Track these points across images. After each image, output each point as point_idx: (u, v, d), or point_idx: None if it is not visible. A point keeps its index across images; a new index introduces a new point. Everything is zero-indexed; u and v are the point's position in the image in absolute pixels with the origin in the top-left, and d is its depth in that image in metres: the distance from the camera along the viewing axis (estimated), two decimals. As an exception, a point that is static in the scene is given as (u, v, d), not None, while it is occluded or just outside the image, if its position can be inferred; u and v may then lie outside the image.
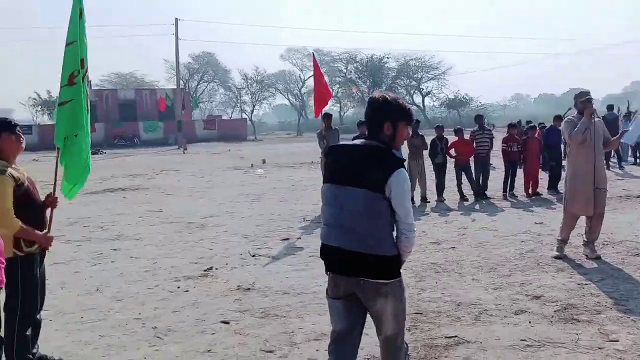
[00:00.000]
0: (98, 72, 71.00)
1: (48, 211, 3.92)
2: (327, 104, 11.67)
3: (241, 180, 16.77)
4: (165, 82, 65.02)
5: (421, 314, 4.68)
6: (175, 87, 44.10)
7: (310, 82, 75.69)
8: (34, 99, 60.56)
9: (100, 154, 32.47)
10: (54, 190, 4.01)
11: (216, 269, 6.56)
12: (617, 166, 15.94)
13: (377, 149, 2.84)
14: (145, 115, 47.83)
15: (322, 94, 11.19)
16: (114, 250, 7.76)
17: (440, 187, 11.17)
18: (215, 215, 10.40)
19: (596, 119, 6.28)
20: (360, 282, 2.79)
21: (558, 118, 12.22)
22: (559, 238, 6.43)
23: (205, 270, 6.46)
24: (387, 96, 2.88)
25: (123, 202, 12.47)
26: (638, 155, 17.59)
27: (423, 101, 70.24)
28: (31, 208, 3.62)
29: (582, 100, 6.21)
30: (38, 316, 3.89)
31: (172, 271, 6.53)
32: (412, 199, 10.77)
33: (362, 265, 2.77)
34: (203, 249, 7.66)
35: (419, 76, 68.32)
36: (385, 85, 66.12)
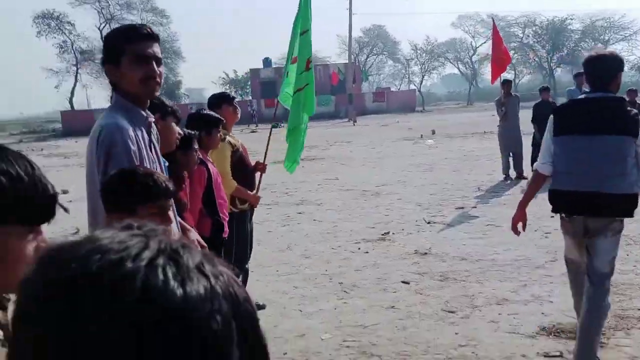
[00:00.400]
0: (279, 49, 75.52)
1: (257, 175, 4.49)
2: (505, 69, 11.22)
3: (411, 150, 16.88)
4: (336, 57, 66.92)
5: (613, 286, 4.47)
6: (346, 61, 45.24)
7: (482, 49, 72.55)
8: (223, 78, 66.47)
9: (279, 127, 34.74)
10: (265, 158, 4.58)
11: (393, 233, 6.85)
12: None
13: (621, 100, 3.26)
14: (319, 90, 49.68)
15: (501, 59, 10.79)
16: (299, 213, 8.45)
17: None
18: (388, 184, 10.71)
19: None
20: (599, 221, 3.10)
21: None
22: None
23: (382, 235, 6.79)
24: (614, 53, 3.38)
25: (302, 171, 13.37)
26: None
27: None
28: (243, 171, 4.18)
29: None
30: (247, 265, 4.49)
31: (352, 234, 6.97)
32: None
33: (608, 204, 3.05)
34: (379, 214, 8.01)
35: (607, 38, 61.43)
36: (567, 48, 60.65)
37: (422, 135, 21.68)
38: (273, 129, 5.08)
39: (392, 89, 65.90)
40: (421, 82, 64.64)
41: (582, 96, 3.37)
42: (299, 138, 4.79)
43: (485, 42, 72.96)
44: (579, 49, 61.89)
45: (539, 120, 8.72)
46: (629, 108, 3.17)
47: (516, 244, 5.97)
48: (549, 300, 4.29)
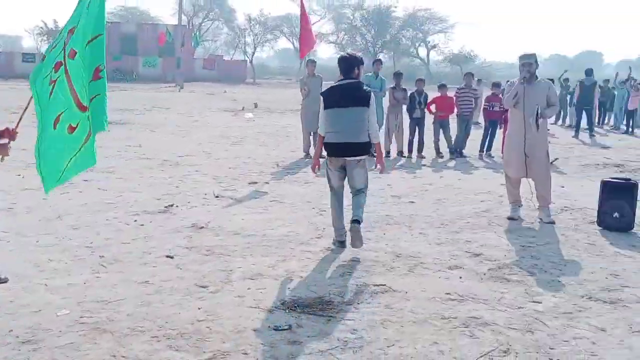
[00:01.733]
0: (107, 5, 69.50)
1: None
2: (312, 48, 11.52)
3: (228, 122, 16.75)
4: (169, 18, 63.68)
5: (358, 261, 4.81)
6: (177, 23, 43.24)
7: (316, 27, 74.29)
8: (41, 27, 59.41)
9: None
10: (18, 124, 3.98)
11: (177, 206, 6.66)
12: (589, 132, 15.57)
13: (359, 83, 5.15)
14: (146, 51, 47.08)
15: (308, 37, 11.02)
16: (85, 180, 7.80)
17: (420, 144, 11.16)
18: (191, 155, 10.47)
19: (542, 82, 6.34)
20: (352, 159, 5.02)
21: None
22: (509, 201, 6.55)
23: (165, 207, 6.56)
24: (353, 53, 5.58)
25: (104, 135, 12.47)
26: (631, 124, 17.52)
27: (428, 55, 69.09)
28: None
29: (522, 63, 6.21)
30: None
31: (134, 205, 6.64)
32: (388, 153, 10.86)
33: (355, 149, 4.99)
34: (170, 186, 7.76)
35: (426, 29, 66.95)
36: (390, 35, 64.85)
37: (243, 107, 21.65)
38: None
39: (226, 58, 64.84)
40: (253, 53, 64.36)
41: (336, 83, 5.23)
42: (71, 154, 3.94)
43: (319, 20, 75.22)
44: (401, 36, 66.67)
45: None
46: (364, 88, 5.15)
47: (292, 220, 6.19)
48: (299, 276, 4.47)
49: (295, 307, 3.84)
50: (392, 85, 11.17)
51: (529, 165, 6.26)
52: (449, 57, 64.92)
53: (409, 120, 11.21)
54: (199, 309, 3.81)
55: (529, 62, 6.24)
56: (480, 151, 11.44)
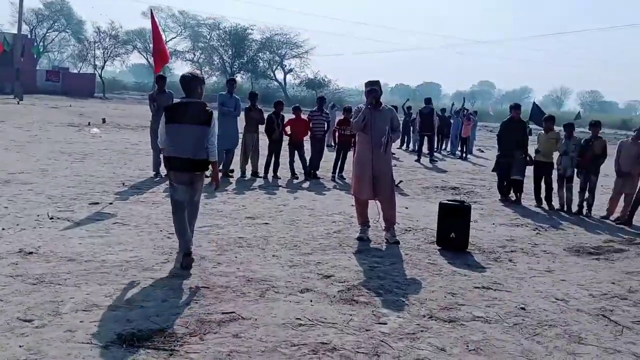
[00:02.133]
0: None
1: None
2: (167, 62, 11.09)
3: (71, 137, 15.45)
4: (9, 27, 57.84)
5: (208, 288, 4.57)
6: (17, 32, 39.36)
7: (172, 44, 72.52)
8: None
9: None
10: None
11: (3, 229, 5.88)
12: (452, 155, 16.96)
13: (202, 103, 5.21)
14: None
15: (161, 53, 10.57)
16: None
17: (276, 165, 11.19)
18: (25, 172, 9.42)
19: (386, 108, 6.65)
20: (193, 174, 5.15)
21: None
22: (359, 222, 6.76)
23: (-12, 232, 5.76)
24: (195, 73, 5.43)
25: None
26: (465, 150, 19.26)
27: (285, 78, 70.61)
28: None
29: (367, 89, 6.52)
30: None
31: (-54, 230, 5.74)
32: (244, 173, 10.73)
33: (193, 165, 5.10)
34: (-4, 208, 6.85)
35: (283, 52, 68.43)
36: (247, 57, 65.24)
37: (89, 122, 20.19)
38: None
39: (74, 71, 60.51)
40: (103, 67, 60.78)
41: (180, 100, 5.25)
42: None
43: (175, 37, 73.47)
44: (258, 58, 67.39)
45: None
46: (207, 108, 5.19)
47: (136, 243, 5.76)
48: (140, 306, 4.12)
49: (134, 341, 3.51)
50: (247, 106, 11.10)
51: (377, 188, 6.51)
52: (305, 81, 66.93)
53: (267, 142, 11.22)
54: (20, 346, 3.32)
55: (374, 89, 6.53)
56: (332, 173, 11.76)
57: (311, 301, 4.46)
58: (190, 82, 5.13)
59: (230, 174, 10.80)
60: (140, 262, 5.16)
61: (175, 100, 5.96)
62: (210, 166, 5.30)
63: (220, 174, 10.68)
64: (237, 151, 11.02)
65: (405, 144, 20.76)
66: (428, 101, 17.34)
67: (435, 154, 17.92)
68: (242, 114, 10.93)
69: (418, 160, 16.29)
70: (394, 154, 16.87)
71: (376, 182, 6.49)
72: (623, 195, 9.06)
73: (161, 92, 9.93)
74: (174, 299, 4.32)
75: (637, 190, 8.81)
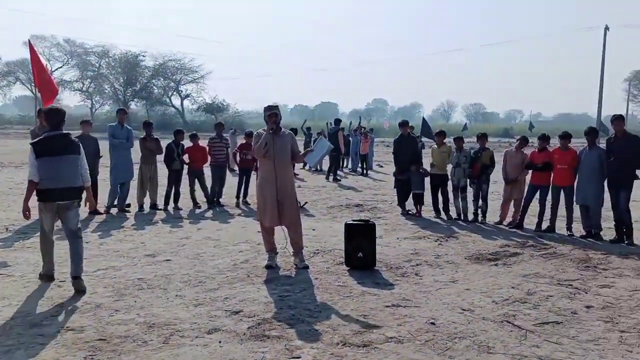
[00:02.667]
0: None
1: None
2: (56, 94, 10.43)
3: (-58, 180, 13.97)
4: None
5: (105, 340, 4.20)
6: None
7: (57, 74, 68.92)
8: None
9: None
10: None
11: None
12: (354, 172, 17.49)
13: (68, 134, 5.58)
14: None
15: (47, 84, 9.93)
16: None
17: (177, 195, 10.78)
18: None
19: (286, 132, 6.61)
20: (67, 202, 5.45)
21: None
22: (266, 249, 6.62)
23: None
24: (59, 106, 5.89)
25: None
26: (365, 166, 19.73)
27: (182, 103, 69.15)
28: None
29: (268, 114, 6.46)
30: None
31: None
32: (142, 206, 10.23)
33: (72, 193, 5.48)
34: None
35: (178, 78, 67.10)
36: (140, 84, 63.26)
37: (-36, 161, 18.45)
38: None
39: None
40: (-21, 100, 56.35)
41: (46, 134, 5.52)
42: None
43: (62, 67, 69.79)
44: (153, 85, 65.53)
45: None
46: (74, 138, 5.61)
47: (21, 296, 5.22)
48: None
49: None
50: (142, 136, 10.63)
51: (282, 213, 6.40)
52: (203, 106, 65.97)
53: (167, 172, 10.79)
54: None
55: (274, 113, 6.45)
56: (236, 198, 11.52)
57: (220, 342, 4.23)
58: (55, 116, 5.54)
59: (126, 209, 10.23)
60: (27, 317, 4.66)
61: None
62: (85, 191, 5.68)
63: (116, 210, 10.24)
64: (134, 184, 10.49)
65: (307, 164, 20.89)
66: (337, 122, 18.24)
67: (338, 172, 18.36)
68: (138, 143, 10.44)
69: (327, 178, 16.80)
70: (297, 174, 16.95)
71: (281, 207, 6.38)
72: (512, 200, 9.63)
73: (45, 127, 9.21)
74: (66, 357, 3.91)
75: (524, 195, 9.40)
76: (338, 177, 17.23)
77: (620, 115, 8.53)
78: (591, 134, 8.68)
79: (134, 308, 4.95)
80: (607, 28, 48.21)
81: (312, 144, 20.59)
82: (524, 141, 9.82)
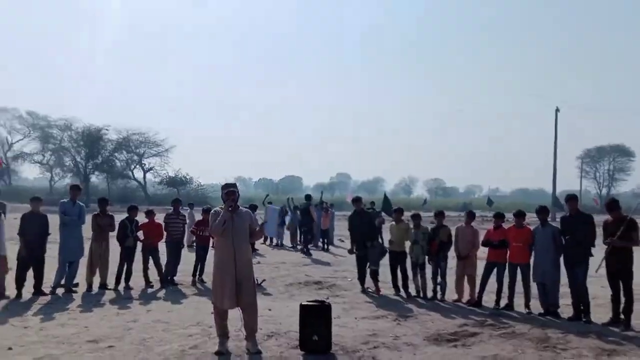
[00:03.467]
0: None
1: None
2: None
3: None
4: None
5: None
6: None
7: (18, 146, 68.25)
8: None
9: None
10: None
11: None
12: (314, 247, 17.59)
13: None
14: None
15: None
16: None
17: (128, 273, 10.38)
18: None
19: (243, 210, 6.51)
20: None
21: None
22: (217, 334, 6.32)
23: None
24: None
25: None
26: (326, 241, 19.60)
27: (144, 177, 68.55)
28: None
29: (226, 191, 6.38)
30: None
31: None
32: (90, 286, 9.82)
33: None
34: None
35: (142, 151, 66.85)
36: (102, 157, 62.68)
37: None
38: None
39: None
40: None
41: None
42: None
43: (23, 139, 69.14)
44: (115, 158, 64.94)
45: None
46: None
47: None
48: None
49: None
50: (96, 212, 10.35)
51: (240, 295, 6.17)
52: (165, 179, 65.48)
53: (119, 249, 10.45)
54: None
55: (232, 191, 6.37)
56: (192, 276, 11.17)
57: None
58: None
59: (74, 289, 9.76)
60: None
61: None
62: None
63: (62, 290, 9.75)
64: (83, 261, 10.08)
65: (268, 239, 20.67)
66: (307, 198, 18.56)
67: (297, 246, 18.49)
68: (90, 219, 10.13)
69: (308, 254, 16.95)
70: (257, 249, 16.69)
71: (239, 288, 6.16)
72: (466, 276, 9.59)
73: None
74: None
75: (476, 270, 9.42)
76: (310, 252, 17.28)
77: (574, 195, 8.79)
78: (542, 212, 8.86)
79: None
80: (557, 109, 50.83)
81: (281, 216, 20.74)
82: (471, 216, 9.97)
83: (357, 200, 10.97)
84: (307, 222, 17.97)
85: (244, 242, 6.32)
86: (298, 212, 19.97)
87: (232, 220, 6.24)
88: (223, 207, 6.40)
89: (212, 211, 6.65)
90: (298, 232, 20.08)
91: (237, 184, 6.81)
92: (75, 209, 9.81)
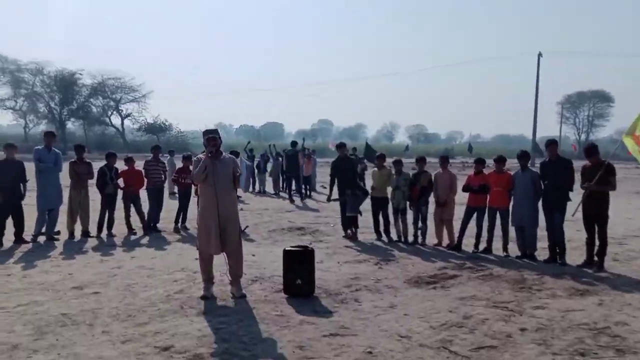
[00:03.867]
0: None
1: None
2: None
3: None
4: None
5: (18, 386, 3.89)
6: None
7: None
8: None
9: None
10: None
11: None
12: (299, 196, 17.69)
13: None
14: None
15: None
16: None
17: (110, 221, 10.35)
18: None
19: (227, 156, 6.45)
20: None
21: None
22: (203, 278, 6.38)
23: None
24: None
25: None
26: (308, 187, 19.67)
27: (122, 123, 67.43)
28: None
29: (207, 137, 6.26)
30: None
31: None
32: (72, 233, 9.78)
33: None
34: None
35: (118, 97, 65.48)
36: (78, 103, 61.29)
37: None
38: None
39: None
40: None
41: None
42: None
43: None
44: (90, 104, 63.61)
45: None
46: None
47: None
48: None
49: None
50: (72, 160, 10.19)
51: (224, 240, 6.19)
52: (144, 126, 64.54)
53: (100, 197, 10.37)
54: None
55: (213, 137, 6.27)
56: (175, 224, 11.19)
57: (146, 383, 3.99)
58: None
59: (55, 236, 9.73)
60: None
61: None
62: None
63: (44, 238, 9.71)
64: (64, 209, 10.00)
65: (251, 186, 20.69)
66: (293, 144, 18.44)
67: (281, 193, 18.57)
68: (67, 167, 9.99)
69: (291, 201, 16.99)
70: (239, 196, 16.71)
71: (223, 233, 6.17)
72: (443, 221, 9.75)
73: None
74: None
75: (453, 215, 9.58)
76: (293, 198, 17.32)
77: (554, 140, 8.84)
78: (523, 157, 8.94)
79: (54, 347, 4.62)
80: (540, 55, 50.61)
81: (260, 165, 20.67)
82: (444, 160, 10.03)
83: (341, 146, 10.92)
84: (295, 169, 17.84)
85: (227, 188, 6.27)
86: (280, 158, 19.93)
87: (214, 167, 6.19)
88: (202, 154, 6.33)
89: (194, 158, 6.56)
90: (280, 178, 20.10)
91: (219, 131, 6.71)
92: (51, 156, 9.64)
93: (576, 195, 8.35)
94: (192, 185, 11.40)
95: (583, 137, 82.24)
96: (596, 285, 7.05)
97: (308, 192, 19.43)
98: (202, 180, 6.18)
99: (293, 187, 17.96)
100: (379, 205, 10.27)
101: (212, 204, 6.17)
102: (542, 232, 8.74)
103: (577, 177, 8.33)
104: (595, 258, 8.10)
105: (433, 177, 9.96)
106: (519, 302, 6.25)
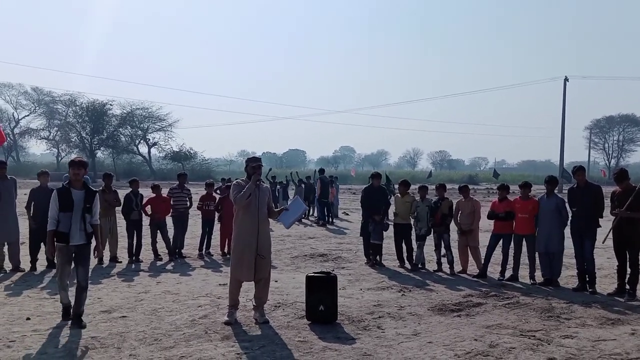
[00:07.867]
0: None
1: None
2: (2, 143, 10.28)
3: None
4: None
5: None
6: None
7: (24, 122, 68.47)
8: None
9: None
10: None
11: None
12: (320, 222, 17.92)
13: None
14: None
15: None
16: None
17: (138, 247, 10.53)
18: None
19: (264, 186, 6.54)
20: None
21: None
22: (229, 304, 6.43)
23: None
24: None
25: None
26: (330, 214, 19.71)
27: (149, 152, 68.72)
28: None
29: (253, 165, 6.38)
30: None
31: None
32: (102, 259, 9.94)
33: None
34: None
35: (146, 126, 66.90)
36: (107, 132, 62.79)
37: None
38: None
39: None
40: None
41: None
42: None
43: (29, 115, 69.39)
44: (119, 133, 65.09)
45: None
46: None
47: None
48: None
49: None
50: (101, 188, 10.45)
51: (258, 268, 6.25)
52: (170, 154, 65.59)
53: (125, 223, 10.59)
54: None
55: (259, 165, 6.40)
56: (199, 250, 11.31)
57: (172, 406, 4.03)
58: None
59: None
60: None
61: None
62: None
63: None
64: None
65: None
66: (322, 171, 18.87)
67: (303, 220, 18.94)
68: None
69: (324, 225, 17.79)
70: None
71: (258, 261, 6.23)
72: (468, 248, 9.68)
73: (3, 177, 9.02)
74: None
75: (478, 242, 9.51)
76: (325, 222, 18.10)
77: (581, 166, 8.73)
78: (551, 182, 8.85)
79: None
80: (566, 79, 50.29)
81: (276, 193, 20.92)
82: (464, 190, 9.99)
83: (376, 177, 10.89)
84: (328, 196, 18.52)
85: (265, 216, 6.36)
86: (303, 185, 20.22)
87: (256, 195, 6.28)
88: (243, 180, 6.42)
89: (234, 182, 6.58)
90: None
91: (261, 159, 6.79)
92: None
93: (606, 221, 8.21)
94: (216, 212, 11.58)
95: (613, 162, 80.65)
96: (628, 315, 6.89)
97: (331, 219, 19.46)
98: (244, 205, 6.23)
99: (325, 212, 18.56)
100: (402, 233, 10.24)
101: (252, 230, 6.20)
102: (568, 259, 8.59)
103: (607, 202, 8.21)
104: (627, 286, 7.91)
105: (455, 205, 9.93)
106: (547, 331, 6.13)
